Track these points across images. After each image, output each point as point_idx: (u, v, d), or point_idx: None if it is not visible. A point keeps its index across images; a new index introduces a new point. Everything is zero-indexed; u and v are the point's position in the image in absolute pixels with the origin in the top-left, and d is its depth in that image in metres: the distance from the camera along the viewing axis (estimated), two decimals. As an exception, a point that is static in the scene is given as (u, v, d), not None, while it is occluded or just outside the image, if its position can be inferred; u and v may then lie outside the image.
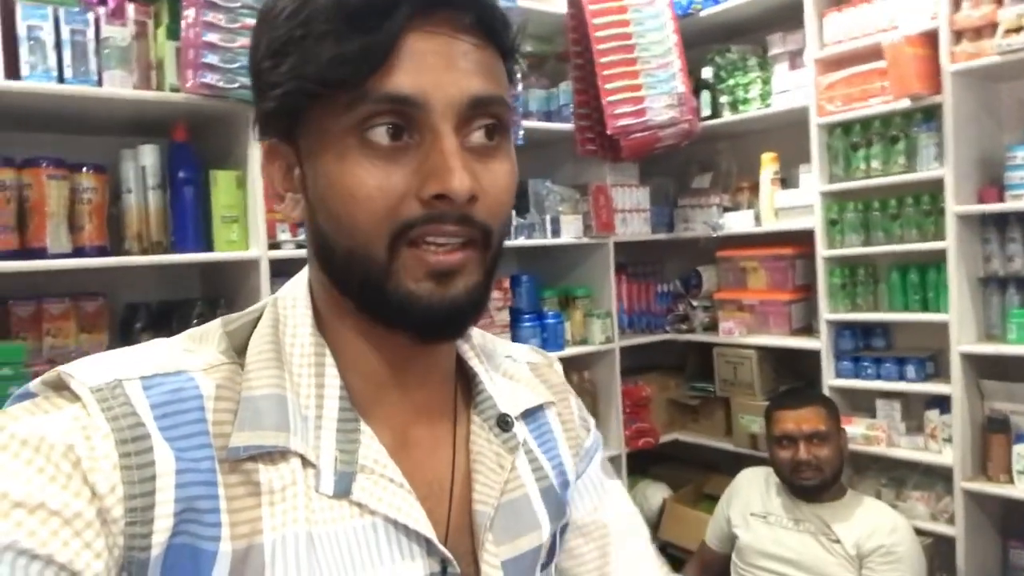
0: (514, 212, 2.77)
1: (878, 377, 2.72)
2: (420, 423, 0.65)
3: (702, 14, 3.05)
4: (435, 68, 0.55)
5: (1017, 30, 2.28)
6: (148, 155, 2.04)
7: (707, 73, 3.16)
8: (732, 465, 2.91)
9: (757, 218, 3.09)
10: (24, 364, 1.80)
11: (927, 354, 2.69)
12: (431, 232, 0.56)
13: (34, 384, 0.56)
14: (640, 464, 3.34)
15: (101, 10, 1.92)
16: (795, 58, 2.94)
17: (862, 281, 2.82)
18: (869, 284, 2.82)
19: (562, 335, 2.91)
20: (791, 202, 2.95)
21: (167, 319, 2.16)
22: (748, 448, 3.06)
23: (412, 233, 0.55)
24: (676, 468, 3.43)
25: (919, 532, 2.35)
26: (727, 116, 3.12)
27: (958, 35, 2.43)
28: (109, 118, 2.06)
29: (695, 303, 3.34)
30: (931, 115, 2.55)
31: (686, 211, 3.35)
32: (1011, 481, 2.42)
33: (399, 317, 0.58)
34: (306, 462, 0.57)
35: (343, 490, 0.57)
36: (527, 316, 2.86)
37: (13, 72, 1.79)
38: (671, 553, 2.96)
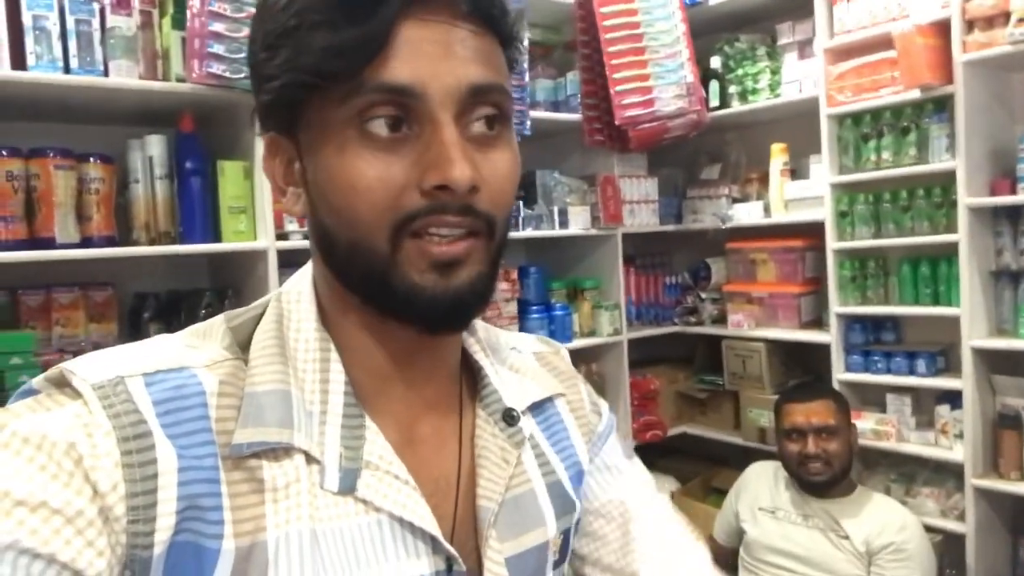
0: (521, 203, 2.77)
1: (888, 371, 2.71)
2: (426, 418, 0.64)
3: (711, 3, 3.03)
4: (432, 56, 0.54)
5: (1031, 20, 2.25)
6: (155, 145, 2.04)
7: (716, 63, 3.14)
8: (740, 459, 2.90)
9: (766, 209, 3.07)
10: (33, 353, 1.81)
11: (938, 348, 2.67)
12: (433, 223, 0.55)
13: (36, 381, 0.55)
14: (648, 457, 3.28)
15: (106, 0, 1.91)
16: (804, 47, 2.92)
17: (872, 274, 2.80)
18: (879, 277, 2.80)
19: (570, 327, 2.90)
20: (801, 193, 2.93)
21: (176, 309, 2.16)
22: (757, 442, 3.05)
23: (414, 224, 0.55)
24: (684, 461, 3.42)
25: (929, 529, 2.34)
26: (736, 106, 3.10)
27: (970, 24, 2.41)
28: (115, 108, 2.06)
29: (704, 295, 3.32)
30: (942, 106, 2.52)
31: (695, 202, 3.34)
32: (1022, 478, 2.40)
33: (404, 309, 0.57)
34: (310, 458, 0.57)
35: (348, 487, 0.57)
36: (535, 308, 2.85)
37: (19, 62, 1.79)
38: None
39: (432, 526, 0.59)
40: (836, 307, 2.80)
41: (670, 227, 3.32)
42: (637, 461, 0.82)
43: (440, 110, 0.54)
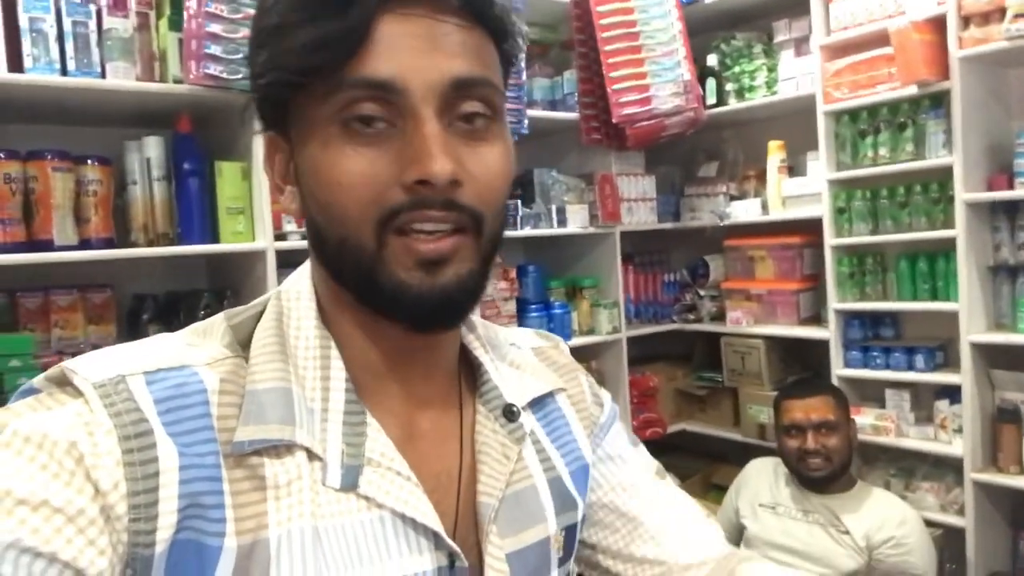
0: (520, 202, 2.77)
1: (887, 367, 2.71)
2: (426, 415, 0.64)
3: (707, 1, 3.03)
4: (413, 51, 0.54)
5: (1026, 15, 2.25)
6: (153, 147, 2.04)
7: (712, 60, 3.14)
8: (740, 455, 2.90)
9: (764, 207, 3.07)
10: (33, 356, 1.81)
11: (936, 344, 2.68)
12: (417, 219, 0.55)
13: (37, 380, 0.55)
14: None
15: (103, 1, 1.91)
16: (801, 44, 2.92)
17: (870, 270, 2.80)
18: (878, 273, 2.80)
19: (569, 325, 2.90)
20: (798, 190, 2.93)
21: (174, 310, 2.16)
22: (756, 438, 3.06)
23: (398, 220, 0.55)
24: (684, 458, 3.42)
25: (929, 523, 2.35)
26: (733, 104, 3.10)
27: (966, 20, 2.41)
28: (113, 110, 2.06)
29: (702, 293, 3.33)
30: (939, 101, 2.53)
31: (692, 200, 3.34)
32: (1022, 472, 2.41)
33: (391, 307, 0.57)
34: (312, 455, 0.57)
35: (350, 483, 0.57)
36: (534, 306, 2.86)
37: (16, 65, 1.79)
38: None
39: (435, 522, 0.59)
40: (835, 303, 2.81)
41: (668, 225, 3.32)
42: (642, 448, 0.82)
43: (422, 105, 0.54)
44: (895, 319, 2.86)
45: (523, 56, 2.56)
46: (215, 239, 2.08)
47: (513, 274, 2.82)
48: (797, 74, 2.89)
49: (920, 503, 2.58)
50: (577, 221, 2.92)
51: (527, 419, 0.70)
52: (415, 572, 0.58)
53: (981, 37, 2.37)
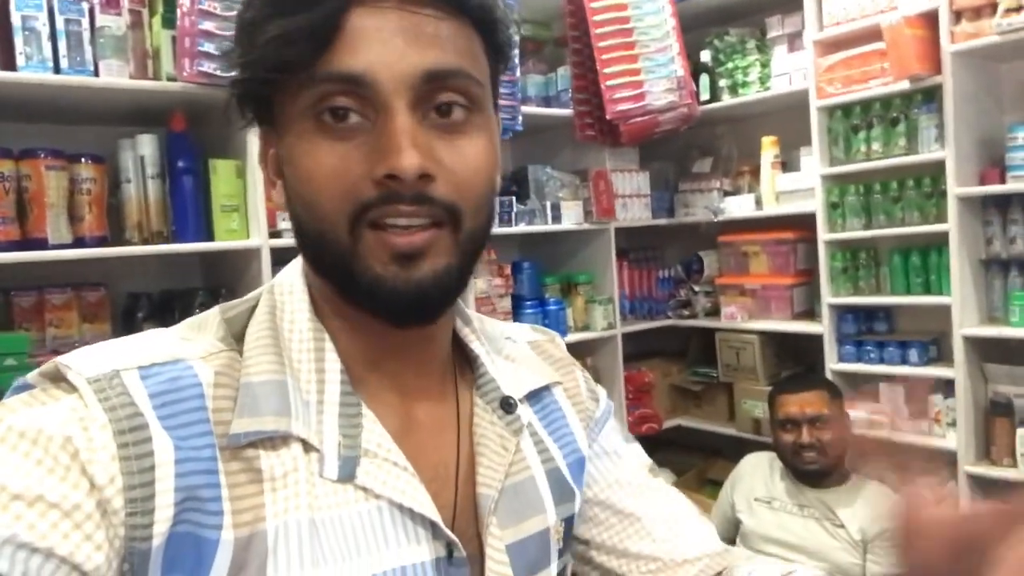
0: (514, 199, 2.77)
1: (881, 361, 2.72)
2: (421, 407, 0.64)
3: (700, -3, 3.03)
4: (383, 43, 0.53)
5: (1017, 9, 2.26)
6: (146, 145, 2.03)
7: (706, 56, 3.14)
8: (735, 450, 2.91)
9: (758, 202, 3.08)
10: (28, 355, 1.80)
11: (930, 338, 2.69)
12: (389, 213, 0.54)
13: (32, 376, 0.55)
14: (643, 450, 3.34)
15: (96, 0, 1.91)
16: (794, 40, 2.93)
17: (864, 264, 2.81)
18: (871, 267, 2.81)
19: (564, 322, 2.91)
20: (792, 186, 2.94)
21: (169, 308, 2.16)
22: (751, 433, 3.07)
23: (371, 215, 0.55)
24: (679, 454, 3.43)
25: (923, 515, 2.35)
26: (726, 100, 3.10)
27: (958, 15, 2.42)
28: (106, 108, 2.06)
29: (697, 288, 3.33)
30: (931, 96, 2.53)
31: (687, 196, 3.34)
32: (1015, 465, 2.42)
33: (368, 301, 0.57)
34: (308, 447, 0.57)
35: (347, 474, 0.57)
36: (529, 303, 2.86)
37: (8, 63, 1.78)
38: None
39: (432, 512, 0.59)
40: (828, 298, 2.81)
41: (662, 221, 3.32)
42: (636, 444, 0.83)
43: (393, 98, 0.54)
44: (888, 313, 2.87)
45: (516, 49, 2.56)
46: (209, 237, 2.08)
47: (508, 270, 2.82)
48: (790, 69, 2.90)
49: (914, 496, 2.59)
50: (572, 217, 2.92)
51: (524, 411, 0.70)
52: (413, 562, 0.58)
53: (973, 32, 2.37)
